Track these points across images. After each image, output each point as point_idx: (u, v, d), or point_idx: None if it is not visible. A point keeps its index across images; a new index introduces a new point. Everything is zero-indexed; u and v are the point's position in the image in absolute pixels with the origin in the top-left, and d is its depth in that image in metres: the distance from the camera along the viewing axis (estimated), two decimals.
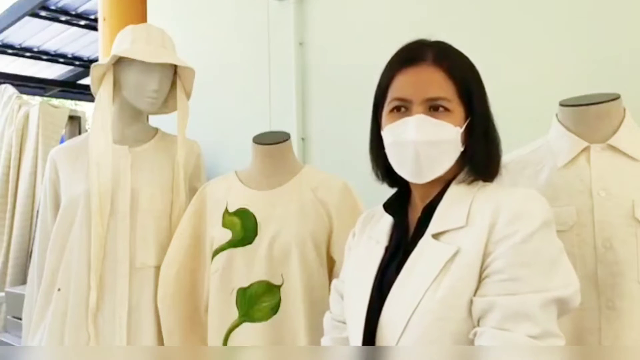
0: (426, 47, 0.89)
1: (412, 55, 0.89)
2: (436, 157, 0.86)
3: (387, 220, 0.96)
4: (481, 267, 0.78)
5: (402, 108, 0.88)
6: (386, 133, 0.89)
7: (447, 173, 0.89)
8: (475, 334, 0.76)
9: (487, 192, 0.86)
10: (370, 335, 0.85)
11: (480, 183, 0.89)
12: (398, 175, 0.92)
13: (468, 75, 0.89)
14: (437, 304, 0.78)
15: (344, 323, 0.99)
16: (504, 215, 0.79)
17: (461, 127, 0.86)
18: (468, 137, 0.88)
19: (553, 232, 0.80)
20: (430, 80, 0.86)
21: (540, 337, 0.72)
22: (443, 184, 0.90)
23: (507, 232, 0.78)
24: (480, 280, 0.78)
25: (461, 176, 0.89)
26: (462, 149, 0.88)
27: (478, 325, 0.77)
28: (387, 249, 0.92)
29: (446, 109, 0.85)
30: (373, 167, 0.98)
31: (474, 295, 0.78)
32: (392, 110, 0.89)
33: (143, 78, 1.50)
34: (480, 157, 0.88)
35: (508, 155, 1.13)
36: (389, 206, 0.96)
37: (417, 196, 0.93)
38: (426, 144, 0.84)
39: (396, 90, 0.89)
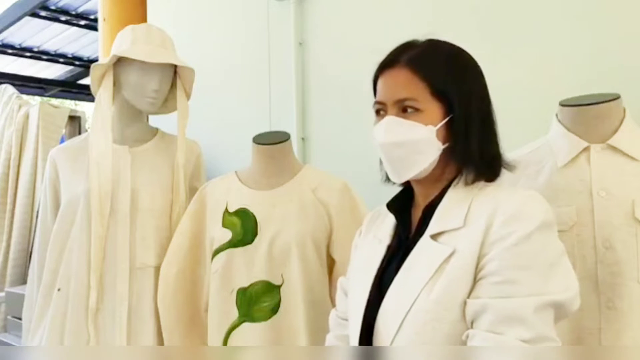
0: (405, 48, 0.90)
1: (390, 57, 0.91)
2: (407, 157, 0.86)
3: (392, 219, 0.96)
4: (476, 268, 0.78)
5: (381, 111, 0.90)
6: (373, 136, 0.92)
7: (446, 173, 0.89)
8: (467, 336, 0.76)
9: (487, 193, 0.85)
10: (367, 334, 0.85)
11: (481, 183, 0.87)
12: None
13: (445, 72, 0.87)
14: (432, 304, 0.78)
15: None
16: (501, 216, 0.78)
17: (435, 126, 0.85)
18: (450, 135, 0.87)
19: (553, 233, 0.79)
20: (399, 82, 0.88)
21: (532, 342, 0.71)
22: (443, 184, 0.89)
23: (503, 234, 0.77)
24: (475, 281, 0.78)
25: (459, 177, 0.89)
26: (442, 147, 0.86)
27: (471, 327, 0.76)
28: (388, 248, 0.93)
29: (415, 109, 0.86)
30: (380, 168, 0.99)
31: (468, 297, 0.77)
32: (376, 113, 0.92)
33: (143, 78, 1.50)
34: (470, 155, 0.86)
35: (508, 155, 1.13)
36: (391, 206, 0.97)
37: (419, 196, 0.94)
38: (392, 145, 0.86)
39: (377, 93, 0.92)
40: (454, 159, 0.88)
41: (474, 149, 0.86)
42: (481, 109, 0.89)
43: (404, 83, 0.87)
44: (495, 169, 0.89)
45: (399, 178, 0.90)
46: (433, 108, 0.86)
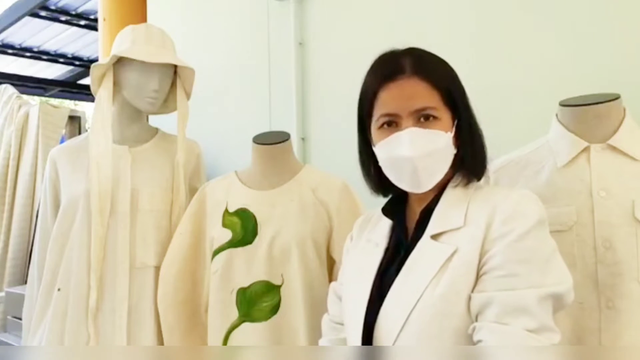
0: (402, 59, 0.90)
1: (390, 69, 0.89)
2: (433, 167, 0.87)
3: (386, 223, 0.97)
4: (479, 264, 0.80)
5: (392, 123, 0.89)
6: (379, 150, 0.91)
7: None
8: (474, 329, 0.78)
9: (484, 194, 0.88)
10: (368, 334, 0.86)
11: (475, 184, 0.91)
12: (391, 183, 0.93)
13: (447, 80, 0.90)
14: (437, 300, 0.79)
15: (342, 325, 1.00)
16: (500, 215, 0.81)
17: (451, 132, 0.88)
18: (457, 139, 0.90)
19: (547, 231, 0.82)
20: (414, 92, 0.87)
21: (537, 331, 0.74)
22: (439, 187, 0.91)
23: (504, 231, 0.80)
24: (477, 277, 0.80)
25: (456, 179, 0.91)
26: (455, 151, 0.89)
27: (476, 320, 0.78)
28: (386, 250, 0.94)
29: (435, 117, 0.87)
30: (366, 180, 0.99)
31: (472, 291, 0.79)
32: (381, 127, 0.90)
33: (143, 78, 1.50)
34: (469, 157, 0.90)
35: (508, 155, 1.14)
36: (387, 209, 0.98)
37: (414, 199, 0.95)
38: (422, 157, 0.86)
39: (382, 106, 0.89)
40: (459, 163, 0.90)
41: (476, 153, 0.90)
42: (472, 113, 0.92)
43: (419, 92, 0.87)
44: (484, 170, 0.92)
45: (421, 188, 0.88)
46: (446, 115, 0.88)
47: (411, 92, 0.87)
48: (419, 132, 0.86)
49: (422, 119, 0.87)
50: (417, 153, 0.85)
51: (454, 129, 0.88)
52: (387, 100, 0.89)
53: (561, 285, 0.78)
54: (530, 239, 0.79)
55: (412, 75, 0.88)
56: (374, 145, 0.92)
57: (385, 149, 0.89)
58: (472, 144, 0.90)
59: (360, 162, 0.99)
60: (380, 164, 0.92)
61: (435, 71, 0.89)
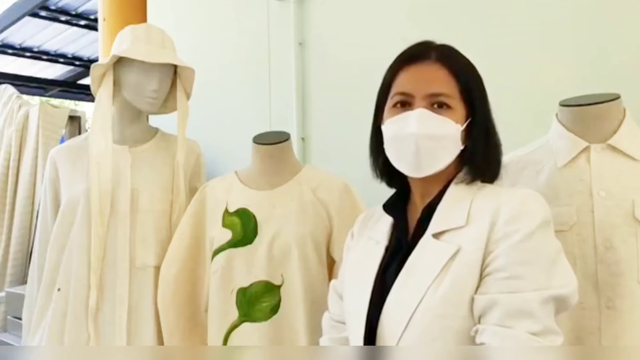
0: (430, 46, 0.91)
1: (415, 53, 0.91)
2: (436, 152, 0.86)
3: (387, 220, 0.96)
4: (482, 265, 0.79)
5: (405, 103, 0.89)
6: (386, 127, 0.90)
7: (446, 172, 0.89)
8: (476, 332, 0.77)
9: (487, 192, 0.87)
10: (371, 334, 0.85)
11: (480, 183, 0.90)
12: (396, 174, 0.93)
13: (469, 76, 0.90)
14: (439, 302, 0.79)
15: (343, 323, 1.00)
16: (504, 215, 0.80)
17: (462, 125, 0.87)
18: (468, 136, 0.89)
19: (552, 231, 0.81)
20: (433, 77, 0.88)
21: (540, 334, 0.73)
22: (443, 184, 0.90)
23: (508, 231, 0.79)
24: (480, 278, 0.79)
25: (460, 176, 0.90)
26: (462, 147, 0.88)
27: (479, 322, 0.78)
28: (387, 249, 0.93)
29: (448, 106, 0.87)
30: (372, 166, 0.99)
31: (475, 293, 0.78)
32: (394, 106, 0.90)
33: (143, 78, 1.50)
34: (480, 158, 0.89)
35: (508, 156, 1.13)
36: (388, 206, 0.97)
37: (417, 195, 0.94)
38: (426, 137, 0.85)
39: (399, 85, 0.90)
40: (464, 159, 0.89)
41: (485, 152, 0.89)
42: (490, 115, 0.91)
43: (439, 78, 0.87)
44: (496, 171, 0.91)
45: (419, 172, 0.88)
46: (460, 107, 0.88)
47: (430, 76, 0.88)
48: (429, 114, 0.86)
49: (435, 105, 0.87)
50: (422, 132, 0.85)
51: (465, 124, 0.88)
52: (404, 80, 0.90)
53: (566, 287, 0.77)
54: (534, 240, 0.78)
55: (435, 61, 0.89)
56: (383, 124, 0.91)
57: (392, 127, 0.89)
58: (485, 144, 0.89)
59: (369, 146, 0.98)
60: (385, 142, 0.91)
61: (459, 63, 0.90)
